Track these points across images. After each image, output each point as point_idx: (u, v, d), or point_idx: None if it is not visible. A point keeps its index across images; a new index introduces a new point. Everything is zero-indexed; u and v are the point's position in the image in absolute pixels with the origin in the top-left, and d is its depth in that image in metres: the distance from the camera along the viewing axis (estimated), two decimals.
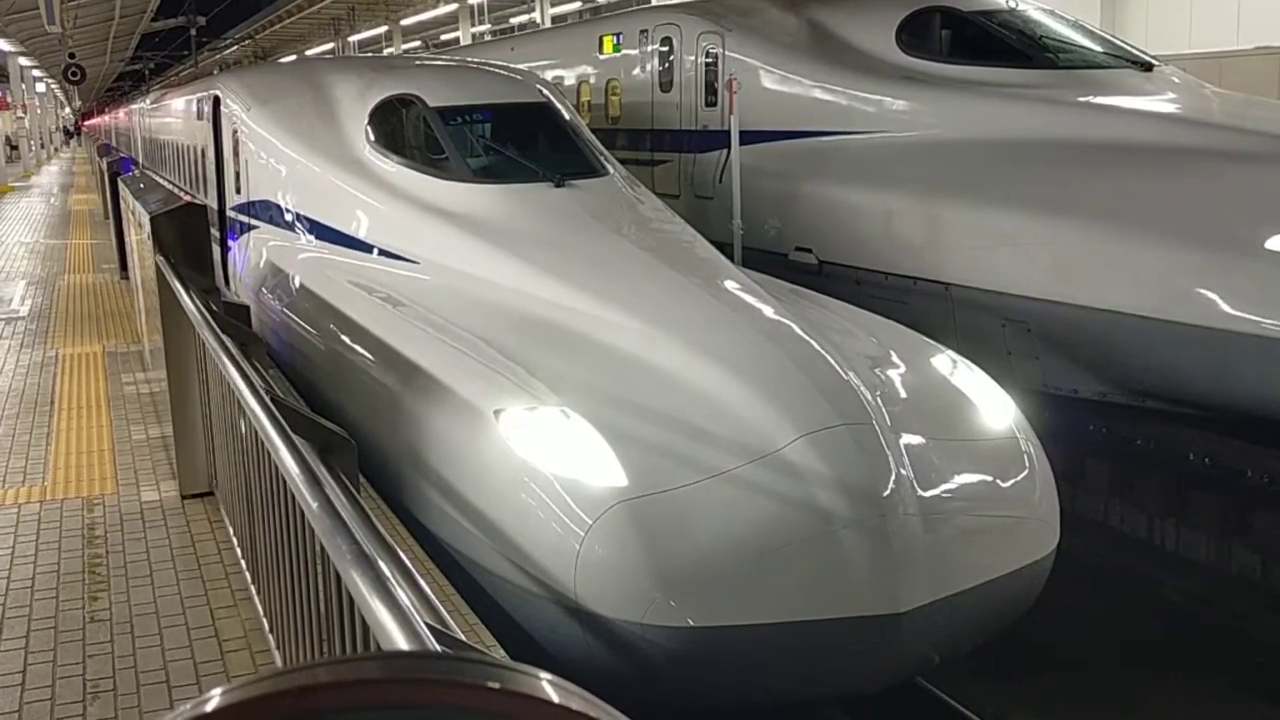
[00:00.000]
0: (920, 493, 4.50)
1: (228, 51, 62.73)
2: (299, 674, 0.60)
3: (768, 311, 5.44)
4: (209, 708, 0.58)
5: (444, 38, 47.54)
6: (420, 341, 5.65)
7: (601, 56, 12.43)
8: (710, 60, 10.38)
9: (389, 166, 7.23)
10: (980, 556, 4.61)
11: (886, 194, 8.39)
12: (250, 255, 8.37)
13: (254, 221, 8.38)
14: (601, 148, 7.70)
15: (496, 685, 0.59)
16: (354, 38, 45.57)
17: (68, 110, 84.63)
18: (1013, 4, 9.45)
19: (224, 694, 0.59)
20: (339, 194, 7.32)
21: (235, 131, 8.95)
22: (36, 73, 46.54)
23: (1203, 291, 6.37)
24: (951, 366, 5.61)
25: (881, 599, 4.19)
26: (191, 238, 6.01)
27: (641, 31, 11.54)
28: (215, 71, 41.01)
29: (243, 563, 4.55)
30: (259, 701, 0.58)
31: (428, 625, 1.88)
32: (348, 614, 2.38)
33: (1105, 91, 8.24)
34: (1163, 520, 7.62)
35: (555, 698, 0.59)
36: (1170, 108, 8.10)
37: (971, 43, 9.10)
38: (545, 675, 0.61)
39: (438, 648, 1.80)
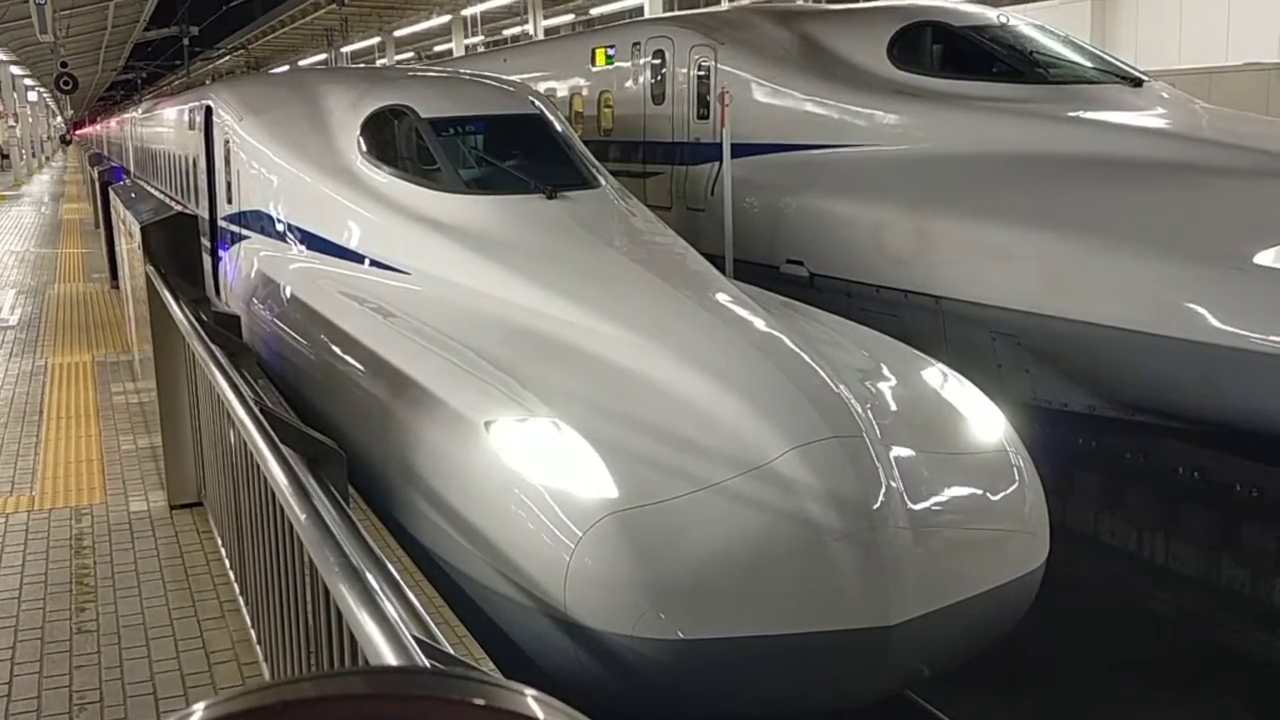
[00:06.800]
0: (910, 505, 4.50)
1: (220, 61, 62.78)
2: (283, 688, 0.60)
3: (759, 324, 5.44)
4: None
5: (437, 49, 47.62)
6: (411, 352, 5.64)
7: (594, 69, 12.45)
8: (703, 73, 10.41)
9: (381, 177, 7.23)
10: (970, 569, 4.61)
11: (878, 207, 8.41)
12: (241, 265, 8.35)
13: (245, 231, 8.37)
14: (593, 159, 7.71)
15: (481, 702, 0.59)
16: (347, 48, 45.61)
17: (59, 119, 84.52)
18: (1003, 19, 9.50)
19: (207, 708, 0.59)
20: (331, 204, 7.32)
21: (227, 141, 8.94)
22: (28, 81, 46.52)
23: (1191, 306, 6.40)
24: (942, 379, 5.62)
25: (871, 611, 4.19)
26: (182, 247, 5.99)
27: (634, 44, 11.58)
28: (207, 81, 40.99)
29: (231, 574, 4.54)
30: (242, 716, 0.58)
31: (415, 638, 1.87)
32: (336, 626, 2.37)
33: (1095, 106, 8.28)
34: (1152, 533, 7.64)
35: (540, 715, 0.59)
36: (1160, 123, 8.14)
37: (962, 57, 9.14)
38: (531, 692, 0.61)
39: (425, 661, 1.79)
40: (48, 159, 59.03)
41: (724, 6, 24.93)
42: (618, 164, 10.96)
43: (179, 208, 7.41)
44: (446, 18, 38.60)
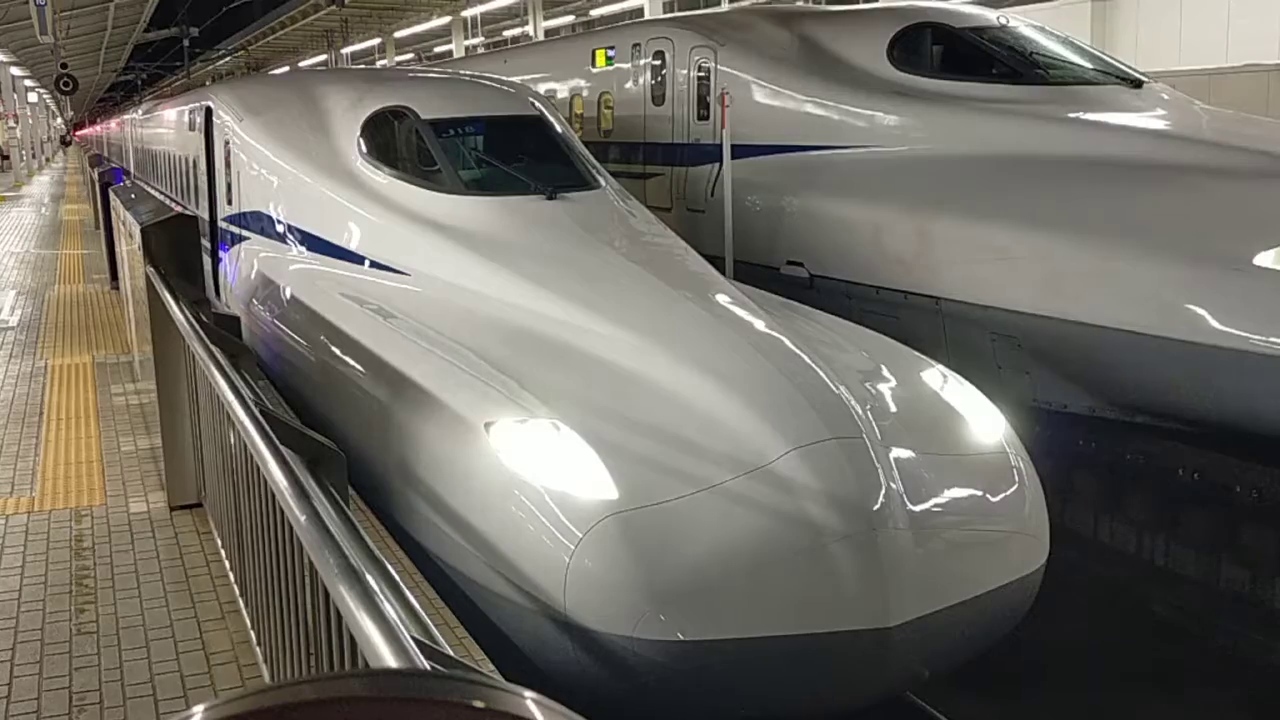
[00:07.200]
0: (910, 507, 4.50)
1: (220, 63, 62.82)
2: (283, 691, 0.60)
3: (759, 325, 5.44)
4: None
5: (437, 50, 47.65)
6: (411, 353, 5.64)
7: (594, 70, 12.46)
8: (703, 74, 10.42)
9: (381, 178, 7.23)
10: (970, 571, 4.61)
11: (878, 208, 8.41)
12: (241, 266, 8.35)
13: (245, 233, 8.37)
14: (594, 160, 7.71)
15: (481, 704, 0.59)
16: (347, 50, 45.65)
17: (59, 120, 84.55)
18: (1003, 20, 9.51)
19: (207, 711, 0.59)
20: (331, 205, 7.32)
21: (227, 143, 8.94)
22: (28, 83, 46.54)
23: (1191, 307, 6.40)
24: (942, 381, 5.62)
25: (871, 613, 4.19)
26: (182, 248, 5.99)
27: (634, 45, 11.58)
28: (207, 83, 41.04)
29: (231, 575, 4.53)
30: (241, 719, 0.58)
31: (415, 639, 1.87)
32: (335, 628, 2.37)
33: (1095, 107, 8.29)
34: (1152, 535, 7.63)
35: (539, 718, 0.59)
36: (1159, 124, 8.14)
37: (963, 59, 9.15)
38: (530, 694, 0.61)
39: (425, 663, 1.79)
40: (48, 160, 59.05)
41: (724, 8, 24.94)
42: (618, 165, 10.97)
43: (179, 209, 7.42)
44: (446, 19, 38.63)
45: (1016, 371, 7.46)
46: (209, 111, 9.70)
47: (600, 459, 4.50)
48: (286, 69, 42.91)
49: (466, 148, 7.57)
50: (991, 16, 9.65)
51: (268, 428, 3.05)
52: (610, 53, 12.13)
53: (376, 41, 45.73)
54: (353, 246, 7.03)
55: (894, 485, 4.50)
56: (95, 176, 15.94)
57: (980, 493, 4.94)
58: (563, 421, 4.72)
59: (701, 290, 5.86)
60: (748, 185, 9.39)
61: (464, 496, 4.71)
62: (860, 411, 4.81)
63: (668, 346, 5.19)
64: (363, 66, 44.18)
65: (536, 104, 8.10)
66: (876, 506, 4.39)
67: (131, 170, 21.10)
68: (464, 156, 7.43)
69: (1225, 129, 7.99)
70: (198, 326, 4.55)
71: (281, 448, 2.91)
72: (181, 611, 4.40)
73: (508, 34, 41.30)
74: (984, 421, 5.31)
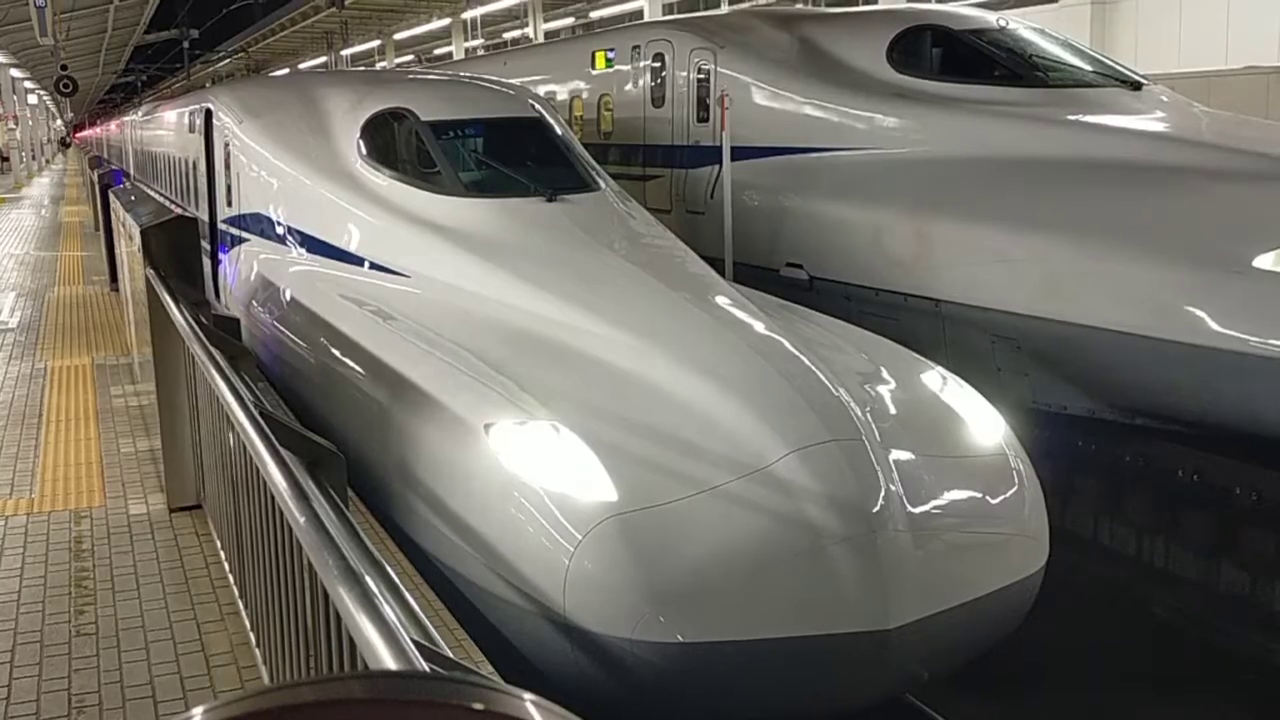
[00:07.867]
0: (910, 509, 4.50)
1: (220, 64, 62.87)
2: (282, 693, 0.60)
3: (758, 327, 5.45)
4: None
5: (437, 52, 47.68)
6: (411, 355, 5.64)
7: (594, 72, 12.46)
8: (702, 76, 10.42)
9: (381, 180, 7.24)
10: (970, 573, 4.61)
11: (877, 210, 8.41)
12: (241, 268, 8.35)
13: (245, 234, 8.37)
14: (593, 162, 7.72)
15: (480, 707, 0.59)
16: (347, 51, 45.66)
17: (59, 122, 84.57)
18: (1003, 23, 9.52)
19: (205, 713, 0.59)
20: (330, 207, 7.32)
21: (227, 144, 8.94)
22: (28, 84, 46.56)
23: (1190, 309, 6.40)
24: (941, 383, 5.62)
25: (871, 615, 4.19)
26: (182, 250, 5.99)
27: (634, 47, 11.58)
28: (207, 84, 41.05)
29: (230, 577, 4.53)
30: None
31: (414, 641, 1.88)
32: (335, 630, 2.37)
33: (1094, 110, 8.29)
34: (1151, 537, 7.63)
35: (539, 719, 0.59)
36: (1159, 126, 8.15)
37: (962, 61, 9.15)
38: (529, 696, 0.61)
39: (424, 665, 1.79)
40: (48, 162, 59.06)
41: (724, 10, 24.97)
42: (617, 167, 10.97)
43: (179, 210, 7.41)
44: (446, 21, 38.67)
45: (1016, 373, 7.46)
46: (209, 113, 9.70)
47: (600, 461, 4.50)
48: (286, 71, 42.94)
49: (466, 150, 7.57)
50: (991, 19, 9.66)
51: (267, 429, 3.05)
52: (610, 55, 12.13)
53: (376, 43, 45.77)
54: (352, 248, 7.03)
55: (894, 487, 4.50)
56: (95, 178, 15.93)
57: (980, 495, 4.94)
58: (562, 423, 4.72)
59: (701, 292, 5.86)
60: (747, 187, 9.39)
61: (463, 498, 4.71)
62: (860, 413, 4.81)
63: (667, 348, 5.19)
64: (362, 68, 44.23)
65: (536, 106, 8.11)
66: (876, 509, 4.39)
67: (131, 172, 21.10)
68: (464, 158, 7.44)
69: (1224, 131, 7.99)
70: (197, 328, 4.55)
71: (281, 449, 2.91)
72: (181, 613, 4.40)
73: (508, 36, 41.33)
74: (983, 423, 5.32)
